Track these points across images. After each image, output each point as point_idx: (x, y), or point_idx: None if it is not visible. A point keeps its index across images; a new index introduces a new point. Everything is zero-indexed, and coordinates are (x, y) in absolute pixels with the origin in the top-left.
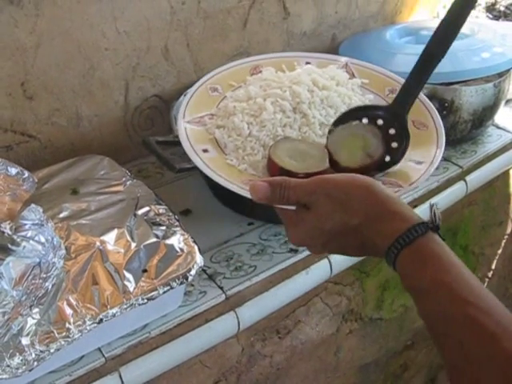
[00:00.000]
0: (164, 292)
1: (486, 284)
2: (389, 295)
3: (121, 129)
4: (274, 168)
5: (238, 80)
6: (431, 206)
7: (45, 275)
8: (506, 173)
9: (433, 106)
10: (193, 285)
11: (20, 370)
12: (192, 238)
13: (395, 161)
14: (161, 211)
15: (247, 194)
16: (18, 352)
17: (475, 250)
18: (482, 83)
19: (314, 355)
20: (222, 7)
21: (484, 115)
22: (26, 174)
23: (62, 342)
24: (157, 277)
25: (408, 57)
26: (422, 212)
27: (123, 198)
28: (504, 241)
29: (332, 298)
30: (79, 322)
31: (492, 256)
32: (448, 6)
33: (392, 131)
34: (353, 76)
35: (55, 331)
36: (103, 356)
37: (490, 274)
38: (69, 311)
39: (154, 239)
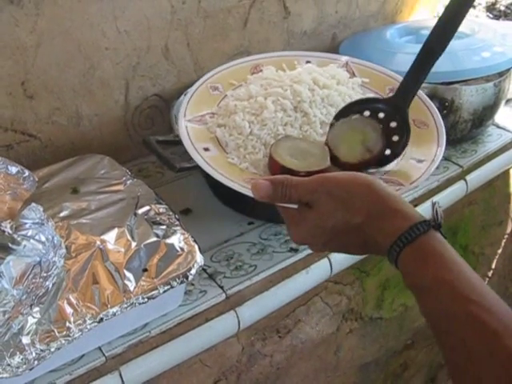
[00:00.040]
0: (164, 291)
1: (486, 283)
2: (389, 294)
3: (121, 128)
4: (275, 167)
5: (238, 79)
6: (433, 204)
7: (45, 274)
8: (506, 172)
9: (433, 104)
10: (193, 284)
11: (20, 369)
12: (192, 237)
13: (396, 154)
14: (161, 210)
15: (249, 193)
16: (19, 351)
17: (475, 250)
18: (483, 83)
19: (314, 354)
20: (223, 6)
21: (484, 115)
22: (27, 172)
23: (63, 341)
24: (157, 276)
25: (408, 56)
26: (423, 211)
27: (123, 198)
28: (504, 240)
29: (332, 297)
30: (79, 321)
31: (492, 255)
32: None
33: (393, 124)
34: (353, 75)
35: (56, 330)
36: (103, 355)
37: (490, 274)
38: (69, 310)
39: (155, 238)
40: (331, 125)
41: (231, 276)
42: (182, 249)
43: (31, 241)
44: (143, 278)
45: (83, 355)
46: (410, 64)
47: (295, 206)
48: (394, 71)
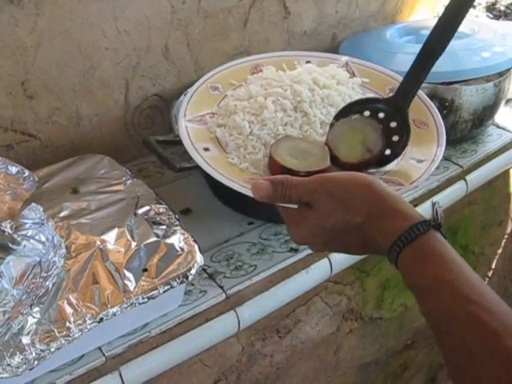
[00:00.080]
0: (164, 291)
1: (486, 283)
2: (389, 294)
3: (121, 128)
4: (275, 166)
5: (238, 79)
6: (433, 204)
7: (45, 274)
8: (506, 172)
9: (433, 104)
10: (193, 284)
11: (20, 369)
12: (192, 237)
13: (396, 154)
14: (161, 210)
15: (249, 193)
16: (19, 351)
17: (475, 250)
18: (483, 83)
19: (314, 354)
20: (223, 6)
21: (484, 115)
22: (27, 172)
23: (63, 341)
24: (157, 276)
25: (408, 56)
26: (423, 211)
27: (123, 198)
28: (504, 240)
29: (332, 297)
30: (79, 321)
31: (492, 255)
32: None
33: (393, 124)
34: (353, 75)
35: (55, 330)
36: (103, 355)
37: (490, 274)
38: (69, 310)
39: (155, 238)
40: (331, 125)
41: (231, 276)
42: (181, 249)
43: (31, 241)
44: (143, 277)
45: (83, 355)
46: (410, 64)
47: (295, 206)
48: (394, 71)
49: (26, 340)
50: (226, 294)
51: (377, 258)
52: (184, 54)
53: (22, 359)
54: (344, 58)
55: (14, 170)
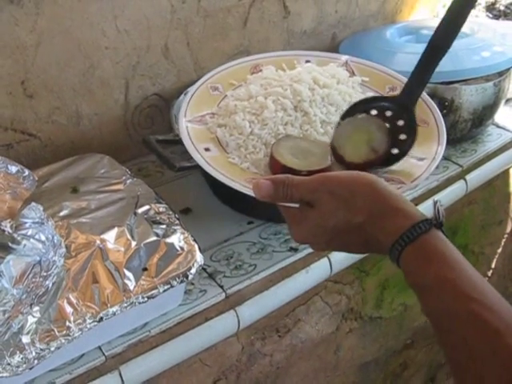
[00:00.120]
0: (164, 290)
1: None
2: (388, 294)
3: (121, 127)
4: (276, 166)
5: (238, 79)
6: (435, 203)
7: (45, 273)
8: (506, 172)
9: (433, 103)
10: (193, 283)
11: (20, 369)
12: (192, 236)
13: (403, 153)
14: (161, 210)
15: (250, 193)
16: (19, 350)
17: (475, 249)
18: (482, 82)
19: (313, 354)
20: (223, 6)
21: (484, 114)
22: (27, 172)
23: (63, 341)
24: (157, 275)
25: (408, 56)
26: (423, 211)
27: (123, 197)
28: (504, 240)
29: (332, 296)
30: (79, 321)
31: (492, 255)
32: (448, 6)
33: (400, 123)
34: (353, 74)
35: (55, 329)
36: (103, 354)
37: (489, 273)
38: (69, 309)
39: (154, 238)
40: (337, 124)
41: (231, 275)
42: (181, 248)
43: (31, 240)
44: (143, 277)
45: (83, 354)
46: (409, 63)
47: (297, 206)
48: (394, 71)
49: (25, 339)
50: (226, 294)
51: (376, 258)
52: (184, 53)
53: (21, 358)
54: (343, 57)
55: (13, 169)
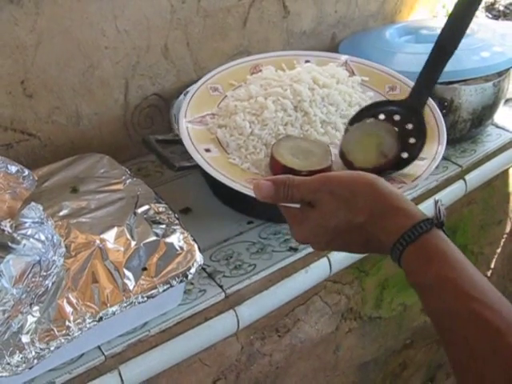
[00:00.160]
0: (164, 290)
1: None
2: (388, 294)
3: (120, 127)
4: (276, 166)
5: (238, 79)
6: (436, 202)
7: (45, 273)
8: (506, 172)
9: (434, 102)
10: (192, 283)
11: (20, 368)
12: (192, 236)
13: (413, 157)
14: (160, 210)
15: (251, 193)
16: (18, 350)
17: (474, 249)
18: (482, 82)
19: (313, 354)
20: (222, 6)
21: (483, 114)
22: (26, 172)
23: (62, 340)
24: (156, 275)
25: (408, 56)
26: (423, 211)
27: (123, 197)
28: (503, 240)
29: (331, 296)
30: (79, 320)
31: (491, 255)
32: (448, 6)
33: (409, 126)
34: (352, 74)
35: (55, 329)
36: (103, 354)
37: (489, 273)
38: (69, 309)
39: (154, 237)
40: (345, 130)
41: (230, 275)
42: (181, 248)
43: (31, 240)
44: (143, 277)
45: (83, 354)
46: (409, 63)
47: (297, 206)
48: (393, 71)
49: (25, 339)
50: (226, 294)
51: (376, 258)
52: (184, 53)
53: (21, 358)
54: (343, 57)
55: (13, 169)
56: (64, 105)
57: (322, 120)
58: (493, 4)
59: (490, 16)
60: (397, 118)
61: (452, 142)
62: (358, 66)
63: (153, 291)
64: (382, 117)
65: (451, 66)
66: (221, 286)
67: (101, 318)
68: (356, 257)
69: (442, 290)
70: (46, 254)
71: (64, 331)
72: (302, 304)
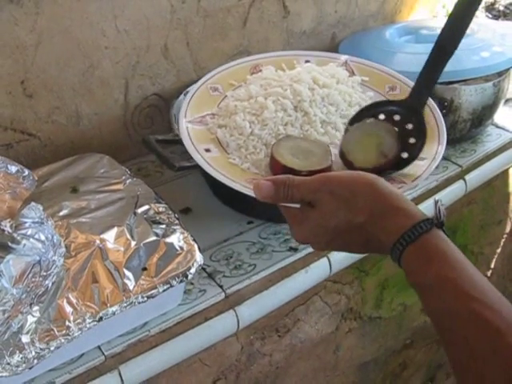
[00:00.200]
0: (164, 290)
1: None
2: (388, 294)
3: (120, 127)
4: (276, 166)
5: (238, 79)
6: (436, 202)
7: (45, 273)
8: (506, 172)
9: (434, 102)
10: (192, 283)
11: (20, 368)
12: (192, 236)
13: (413, 157)
14: (161, 210)
15: (251, 193)
16: (18, 350)
17: (474, 249)
18: (482, 82)
19: (313, 354)
20: (222, 6)
21: (483, 114)
22: (26, 172)
23: (62, 340)
24: (156, 275)
25: (408, 56)
26: (423, 211)
27: (123, 197)
28: (503, 240)
29: (331, 296)
30: (79, 320)
31: (491, 255)
32: (448, 6)
33: (409, 126)
34: (352, 74)
35: (55, 329)
36: (103, 354)
37: (489, 273)
38: (69, 309)
39: (154, 237)
40: (345, 130)
41: (230, 275)
42: (181, 248)
43: (31, 240)
44: (143, 276)
45: (83, 354)
46: (409, 63)
47: (297, 206)
48: (393, 71)
49: (25, 339)
50: (226, 294)
51: (376, 258)
52: (183, 53)
53: (21, 358)
54: (343, 57)
55: (13, 169)
56: (64, 105)
57: (322, 120)
58: (493, 4)
59: (490, 16)
60: (397, 118)
61: (452, 141)
62: (358, 66)
63: (153, 291)
64: (382, 117)
65: (451, 66)
66: (221, 286)
67: (101, 318)
68: (356, 257)
69: (442, 290)
70: (46, 253)
71: (64, 331)
72: (302, 304)
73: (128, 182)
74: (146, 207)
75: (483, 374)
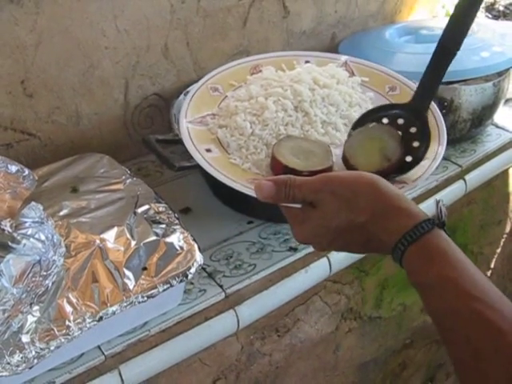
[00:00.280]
0: (164, 290)
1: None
2: (388, 294)
3: (120, 127)
4: (277, 166)
5: (238, 80)
6: (437, 202)
7: (45, 273)
8: (505, 172)
9: (433, 103)
10: (192, 283)
11: (20, 368)
12: (192, 236)
13: (417, 160)
14: (161, 209)
15: (252, 193)
16: (18, 349)
17: (474, 249)
18: (482, 82)
19: (312, 354)
20: (222, 6)
21: (483, 114)
22: (27, 171)
23: (62, 340)
24: (157, 275)
25: (407, 56)
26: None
27: (123, 196)
28: (503, 240)
29: (331, 296)
30: (79, 320)
31: (491, 255)
32: (447, 6)
33: (413, 130)
34: (352, 74)
35: (55, 329)
36: (103, 354)
37: (488, 273)
38: (69, 309)
39: (154, 237)
40: (348, 135)
41: (230, 275)
42: (181, 248)
43: (31, 239)
44: (143, 276)
45: (83, 354)
46: (409, 63)
47: (299, 206)
48: (393, 71)
49: (25, 338)
50: (226, 293)
51: (376, 258)
52: (183, 53)
53: (21, 358)
54: (343, 58)
55: (13, 168)
56: (64, 104)
57: (323, 120)
58: (493, 4)
59: (490, 16)
60: (400, 121)
61: (452, 142)
62: (358, 67)
63: (153, 291)
64: (385, 121)
65: (451, 66)
66: (221, 286)
67: (101, 318)
68: (356, 257)
69: (443, 289)
70: (46, 253)
71: (64, 331)
72: (302, 304)
73: (128, 181)
74: (146, 207)
75: (486, 373)
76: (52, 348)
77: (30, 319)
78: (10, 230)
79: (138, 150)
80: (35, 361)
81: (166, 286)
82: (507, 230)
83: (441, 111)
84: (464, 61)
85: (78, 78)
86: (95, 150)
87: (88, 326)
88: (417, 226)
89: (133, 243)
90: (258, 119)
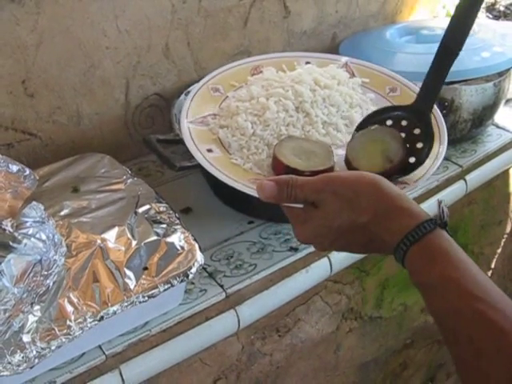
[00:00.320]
0: (164, 290)
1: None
2: (388, 294)
3: (121, 127)
4: (279, 167)
5: (239, 80)
6: (439, 203)
7: (46, 272)
8: (506, 172)
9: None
10: (193, 283)
11: (21, 367)
12: (192, 236)
13: (420, 161)
14: (161, 209)
15: (253, 193)
16: (19, 349)
17: (475, 249)
18: (482, 82)
19: (313, 354)
20: (223, 6)
21: (484, 114)
22: (28, 171)
23: (63, 339)
24: (157, 274)
25: (408, 56)
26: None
27: (124, 196)
28: (503, 240)
29: (332, 296)
30: (80, 320)
31: (491, 255)
32: (448, 6)
33: (417, 131)
34: (353, 75)
35: (56, 328)
36: (104, 353)
37: (489, 274)
38: (70, 308)
39: (155, 237)
40: (351, 138)
41: (231, 275)
42: (182, 247)
43: (32, 239)
44: (143, 276)
45: (83, 353)
46: (409, 64)
47: (301, 206)
48: (394, 71)
49: (26, 338)
50: (226, 293)
51: (376, 258)
52: (184, 53)
53: (22, 357)
54: (343, 59)
55: (14, 168)
56: (65, 104)
57: (324, 121)
58: (493, 4)
59: (491, 16)
60: (404, 123)
61: (452, 142)
62: (358, 68)
63: (154, 291)
64: (389, 122)
65: (452, 67)
66: (221, 286)
67: (102, 318)
68: (356, 257)
69: (445, 289)
70: (47, 253)
71: (65, 330)
72: (303, 304)
73: (129, 181)
74: (146, 207)
75: (488, 372)
76: (53, 348)
77: (31, 319)
78: (11, 230)
79: (138, 149)
80: (36, 360)
81: (166, 286)
82: (508, 230)
83: (441, 111)
84: (465, 61)
85: (79, 77)
86: (96, 149)
87: (89, 325)
88: (419, 226)
89: (134, 243)
90: (260, 119)
